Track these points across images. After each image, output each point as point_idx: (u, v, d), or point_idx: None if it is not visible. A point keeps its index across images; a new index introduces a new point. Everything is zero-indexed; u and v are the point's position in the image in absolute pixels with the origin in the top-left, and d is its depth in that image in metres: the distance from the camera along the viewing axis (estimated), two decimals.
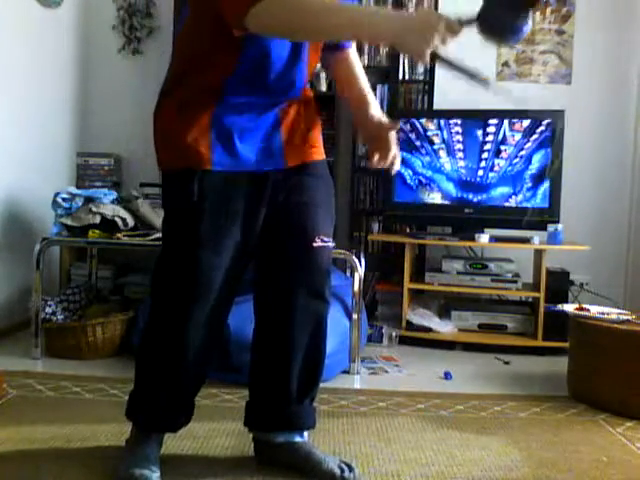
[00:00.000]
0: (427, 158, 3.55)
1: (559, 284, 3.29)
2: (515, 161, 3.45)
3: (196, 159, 1.59)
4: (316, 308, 1.75)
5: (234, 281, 1.70)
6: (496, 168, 3.47)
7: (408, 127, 3.57)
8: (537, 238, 3.33)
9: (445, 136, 3.53)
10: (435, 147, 3.54)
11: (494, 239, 3.41)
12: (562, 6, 3.92)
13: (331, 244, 1.77)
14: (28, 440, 1.92)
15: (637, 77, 3.90)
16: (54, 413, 2.16)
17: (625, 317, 2.56)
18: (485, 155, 3.49)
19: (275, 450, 1.79)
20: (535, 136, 3.44)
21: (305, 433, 1.81)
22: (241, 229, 1.64)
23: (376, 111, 1.89)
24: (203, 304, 1.64)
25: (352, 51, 1.88)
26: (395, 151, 1.77)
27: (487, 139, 3.49)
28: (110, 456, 1.79)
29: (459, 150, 3.52)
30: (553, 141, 3.40)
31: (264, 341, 1.79)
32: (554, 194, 3.41)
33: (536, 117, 3.47)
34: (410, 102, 3.88)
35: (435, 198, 3.56)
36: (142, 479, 1.60)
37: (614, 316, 2.57)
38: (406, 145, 3.54)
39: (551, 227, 3.32)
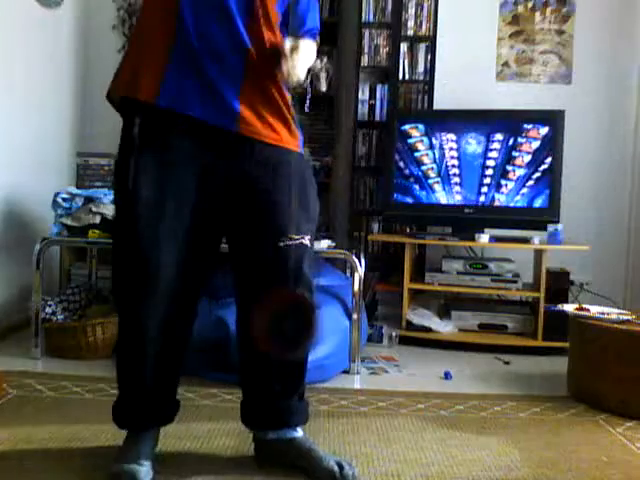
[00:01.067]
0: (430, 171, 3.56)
1: (559, 284, 3.29)
2: (518, 164, 3.46)
3: (141, 88, 1.57)
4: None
5: (195, 266, 1.67)
6: (502, 184, 3.48)
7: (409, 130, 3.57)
8: (537, 238, 3.33)
9: (439, 157, 3.53)
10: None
11: (494, 239, 3.41)
12: (562, 6, 3.92)
13: (305, 241, 1.68)
14: (28, 440, 1.92)
15: (637, 77, 3.90)
16: (54, 413, 2.16)
17: (625, 317, 2.56)
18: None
19: (273, 447, 1.79)
20: (535, 136, 3.44)
21: (299, 429, 1.80)
22: (189, 205, 1.60)
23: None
24: (154, 297, 1.62)
25: None
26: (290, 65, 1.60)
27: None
28: (111, 456, 1.79)
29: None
30: (553, 141, 3.40)
31: (245, 340, 1.76)
32: (554, 194, 3.41)
33: (536, 117, 3.48)
34: (410, 102, 3.89)
35: (435, 198, 3.56)
36: (129, 473, 1.61)
37: (614, 316, 2.57)
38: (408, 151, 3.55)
39: (551, 227, 3.32)
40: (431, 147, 3.55)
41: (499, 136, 3.47)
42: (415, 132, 3.57)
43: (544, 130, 3.42)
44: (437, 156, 3.54)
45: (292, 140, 1.69)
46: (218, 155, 1.61)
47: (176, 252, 1.61)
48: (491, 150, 3.48)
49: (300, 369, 1.78)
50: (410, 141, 3.57)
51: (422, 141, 3.56)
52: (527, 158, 3.44)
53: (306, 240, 1.68)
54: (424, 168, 3.56)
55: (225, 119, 1.58)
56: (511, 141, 3.46)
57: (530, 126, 3.45)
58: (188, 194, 1.61)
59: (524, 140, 3.45)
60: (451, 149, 3.53)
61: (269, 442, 1.79)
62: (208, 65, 1.56)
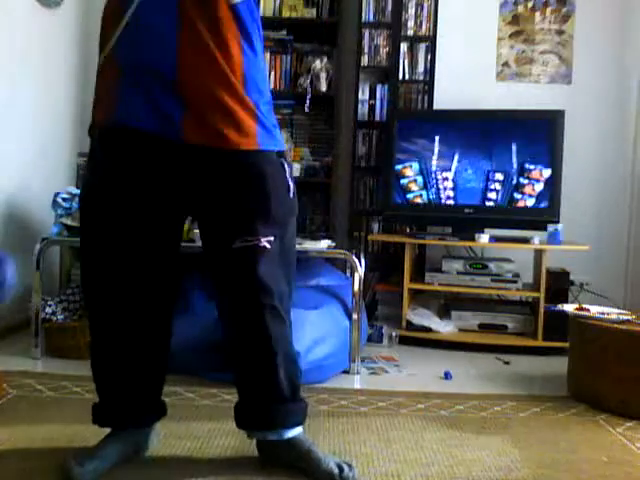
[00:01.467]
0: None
1: (559, 284, 3.29)
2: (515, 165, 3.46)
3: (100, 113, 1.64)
4: (251, 318, 1.68)
5: (159, 269, 1.69)
6: (502, 184, 3.48)
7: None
8: (537, 238, 3.33)
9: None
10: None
11: (494, 239, 3.41)
12: (562, 6, 3.92)
13: (262, 243, 1.62)
14: (28, 440, 1.92)
15: (637, 77, 3.90)
16: (54, 413, 2.16)
17: (625, 317, 2.56)
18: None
19: (272, 448, 1.78)
20: (535, 137, 3.45)
21: (298, 430, 1.78)
22: (140, 216, 1.63)
23: None
24: (120, 300, 1.67)
25: None
26: None
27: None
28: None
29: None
30: (553, 141, 3.40)
31: (232, 341, 1.76)
32: (554, 194, 3.41)
33: (536, 117, 3.48)
34: (410, 102, 3.89)
35: (435, 198, 3.56)
36: (65, 469, 1.66)
37: (614, 316, 2.57)
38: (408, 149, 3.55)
39: (551, 227, 3.32)
40: (431, 147, 3.54)
41: (499, 136, 3.47)
42: (415, 132, 3.57)
43: (544, 130, 3.42)
44: (437, 156, 3.54)
45: (247, 140, 1.60)
46: (170, 165, 1.60)
47: (139, 256, 1.66)
48: (491, 150, 3.48)
49: (294, 369, 1.77)
50: (410, 141, 3.57)
51: (422, 141, 3.56)
52: (527, 158, 3.43)
53: (263, 242, 1.62)
54: (424, 168, 3.56)
55: (170, 131, 1.56)
56: (511, 141, 3.46)
57: (530, 126, 3.45)
58: (146, 204, 1.63)
59: (524, 140, 3.44)
60: (451, 149, 3.52)
61: (268, 443, 1.78)
62: (149, 79, 1.55)
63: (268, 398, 1.73)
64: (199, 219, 1.72)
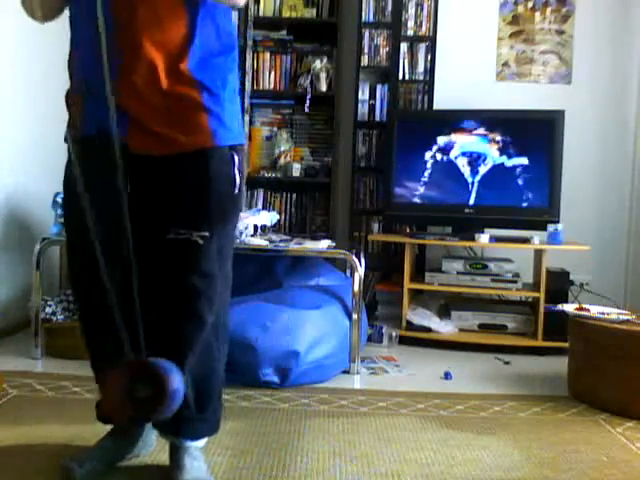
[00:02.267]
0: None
1: (559, 284, 3.29)
2: (515, 162, 3.46)
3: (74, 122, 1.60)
4: (169, 313, 1.58)
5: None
6: (502, 184, 3.49)
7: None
8: (537, 238, 3.33)
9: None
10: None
11: (494, 239, 3.41)
12: (562, 6, 3.92)
13: (195, 238, 1.54)
14: (28, 440, 1.92)
15: (637, 77, 3.90)
16: (54, 413, 2.16)
17: (625, 317, 2.56)
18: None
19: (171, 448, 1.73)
20: (535, 137, 3.45)
21: (200, 442, 1.72)
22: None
23: None
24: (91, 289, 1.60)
25: None
26: None
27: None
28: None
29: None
30: (553, 141, 3.40)
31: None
32: (554, 194, 3.41)
33: (536, 117, 3.48)
34: (410, 102, 3.89)
35: (435, 198, 3.56)
36: (64, 469, 1.64)
37: (614, 316, 2.57)
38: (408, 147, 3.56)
39: (551, 227, 3.32)
40: (431, 147, 3.55)
41: (499, 136, 3.47)
42: (415, 132, 3.58)
43: (544, 130, 3.42)
44: (437, 156, 3.54)
45: (195, 138, 1.54)
46: (125, 170, 1.49)
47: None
48: (491, 150, 3.48)
49: (209, 381, 1.69)
50: (410, 141, 3.57)
51: (422, 141, 3.56)
52: (527, 158, 3.43)
53: (195, 236, 1.54)
54: (424, 168, 3.56)
55: (122, 136, 1.49)
56: (511, 141, 3.46)
57: (530, 126, 3.45)
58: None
59: (524, 140, 3.44)
60: (451, 149, 3.53)
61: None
62: (100, 88, 1.44)
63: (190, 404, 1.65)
64: (135, 212, 1.55)
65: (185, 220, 1.55)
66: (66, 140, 1.66)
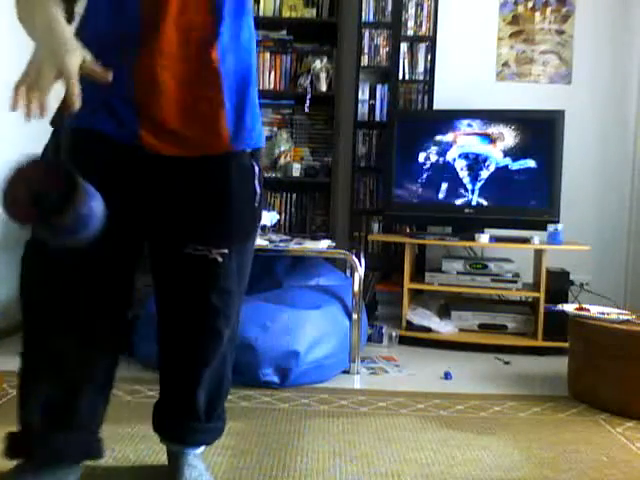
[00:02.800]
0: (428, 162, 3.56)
1: (559, 284, 3.29)
2: (514, 163, 3.46)
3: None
4: (188, 333, 1.53)
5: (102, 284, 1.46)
6: (503, 184, 3.48)
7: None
8: (537, 238, 3.33)
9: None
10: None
11: (494, 239, 3.41)
12: (562, 6, 3.92)
13: (214, 255, 1.45)
14: None
15: (637, 77, 3.90)
16: None
17: (625, 317, 2.56)
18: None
19: (169, 454, 1.69)
20: (535, 137, 3.45)
21: (200, 448, 1.70)
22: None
23: None
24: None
25: None
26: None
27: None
28: (110, 456, 1.79)
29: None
30: (553, 141, 3.40)
31: (166, 351, 1.62)
32: (554, 194, 3.41)
33: (536, 117, 3.48)
34: (410, 102, 3.89)
35: (435, 198, 3.56)
36: None
37: (614, 316, 2.57)
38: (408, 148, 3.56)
39: (551, 227, 3.32)
40: (431, 147, 3.55)
41: (499, 136, 3.47)
42: (415, 132, 3.58)
43: (544, 130, 3.42)
44: (437, 156, 3.54)
45: (214, 141, 1.42)
46: (126, 171, 1.42)
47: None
48: (491, 150, 3.48)
49: (219, 390, 1.65)
50: (410, 141, 3.57)
51: (422, 141, 3.56)
52: (527, 158, 3.44)
53: (214, 254, 1.45)
54: (424, 168, 3.56)
55: (125, 135, 1.40)
56: (511, 141, 3.46)
57: (530, 126, 3.45)
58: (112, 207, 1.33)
59: (524, 140, 3.45)
60: (451, 149, 3.53)
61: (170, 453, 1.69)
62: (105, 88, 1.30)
63: (180, 412, 1.62)
64: (151, 227, 1.50)
65: (203, 236, 1.45)
66: (54, 124, 1.46)
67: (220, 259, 1.45)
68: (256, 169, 1.51)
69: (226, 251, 1.46)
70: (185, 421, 1.62)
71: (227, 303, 1.51)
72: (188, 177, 1.44)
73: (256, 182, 1.50)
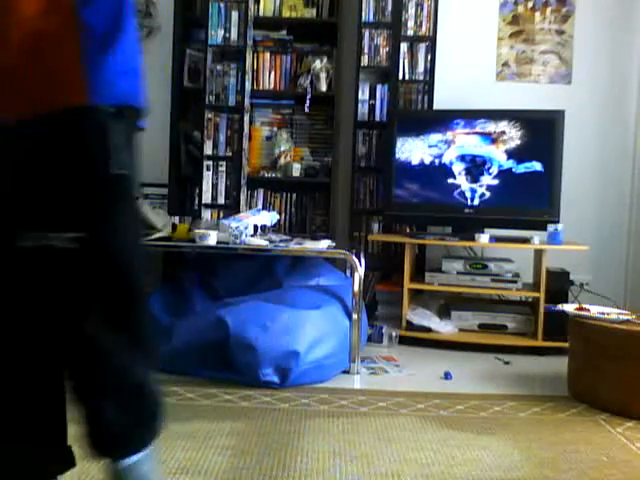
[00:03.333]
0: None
1: (559, 284, 3.29)
2: (515, 162, 3.46)
3: None
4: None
5: None
6: (502, 184, 3.49)
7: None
8: (537, 238, 3.33)
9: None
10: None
11: (494, 239, 3.41)
12: (562, 6, 3.92)
13: (54, 242, 1.11)
14: None
15: (637, 77, 3.90)
16: None
17: (625, 317, 2.56)
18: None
19: None
20: (535, 137, 3.45)
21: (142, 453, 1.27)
22: None
23: None
24: None
25: None
26: None
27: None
28: None
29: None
30: (553, 141, 3.40)
31: None
32: (554, 194, 3.41)
33: (536, 117, 3.48)
34: (410, 102, 3.88)
35: (435, 198, 3.56)
36: None
37: (614, 316, 2.57)
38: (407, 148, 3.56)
39: (551, 227, 3.32)
40: (431, 147, 3.55)
41: (499, 136, 3.47)
42: (415, 132, 3.58)
43: (544, 130, 3.42)
44: (437, 156, 3.54)
45: (56, 94, 1.10)
46: None
47: None
48: (491, 150, 3.48)
49: (137, 399, 1.24)
50: (410, 141, 3.57)
51: (422, 141, 3.56)
52: (527, 158, 3.44)
53: (54, 241, 1.12)
54: (424, 168, 3.56)
55: None
56: (511, 141, 3.46)
57: (530, 126, 3.45)
58: None
59: (524, 140, 3.45)
60: (450, 149, 3.53)
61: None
62: None
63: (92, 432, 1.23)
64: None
65: (34, 218, 1.13)
66: None
67: (60, 244, 1.12)
68: (113, 126, 1.14)
69: (71, 236, 1.13)
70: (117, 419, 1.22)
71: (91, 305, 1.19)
72: (20, 142, 1.13)
73: (108, 142, 1.13)
